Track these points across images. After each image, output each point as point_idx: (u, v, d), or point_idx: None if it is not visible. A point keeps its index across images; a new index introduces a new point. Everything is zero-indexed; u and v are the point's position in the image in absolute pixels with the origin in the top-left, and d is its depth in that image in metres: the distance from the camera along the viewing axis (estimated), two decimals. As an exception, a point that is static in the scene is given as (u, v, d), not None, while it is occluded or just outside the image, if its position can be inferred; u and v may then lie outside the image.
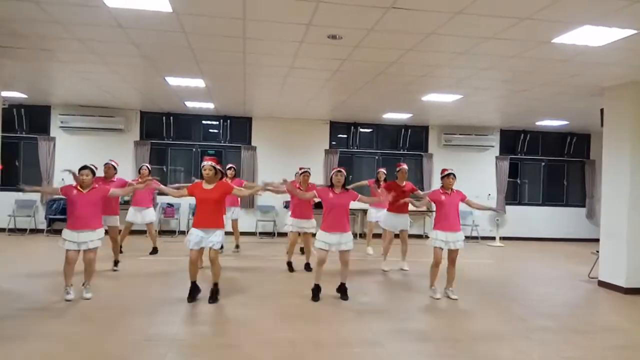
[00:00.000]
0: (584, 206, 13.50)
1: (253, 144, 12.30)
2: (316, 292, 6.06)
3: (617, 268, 7.25)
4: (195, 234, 5.65)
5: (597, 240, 7.85)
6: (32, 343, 4.35)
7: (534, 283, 7.94)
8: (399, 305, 6.09)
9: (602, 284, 7.50)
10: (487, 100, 9.15)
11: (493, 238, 12.13)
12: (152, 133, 12.00)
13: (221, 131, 12.33)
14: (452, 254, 6.31)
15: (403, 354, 4.44)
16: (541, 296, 6.92)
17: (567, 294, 7.21)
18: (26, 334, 4.57)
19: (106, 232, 6.36)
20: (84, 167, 5.67)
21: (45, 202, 11.28)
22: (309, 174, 7.83)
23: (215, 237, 5.65)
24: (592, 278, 7.86)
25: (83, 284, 5.82)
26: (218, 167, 5.84)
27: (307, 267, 7.83)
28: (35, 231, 11.13)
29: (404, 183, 8.02)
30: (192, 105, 10.71)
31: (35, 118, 11.51)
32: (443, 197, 6.28)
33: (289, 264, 7.81)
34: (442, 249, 6.26)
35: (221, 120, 12.26)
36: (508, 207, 12.99)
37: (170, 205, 11.61)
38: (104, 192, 5.81)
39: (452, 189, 6.38)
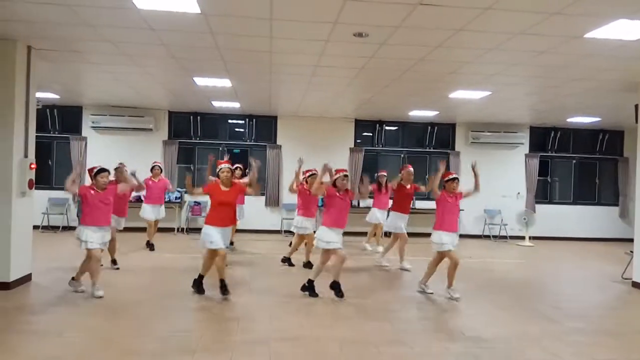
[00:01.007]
0: (616, 205, 13.13)
1: (278, 142, 12.37)
2: (312, 288, 6.13)
3: (652, 269, 7.04)
4: (214, 234, 5.78)
5: (631, 240, 7.64)
6: (67, 338, 4.48)
7: (565, 283, 7.78)
8: (422, 305, 6.04)
9: (636, 285, 7.28)
10: (517, 97, 8.98)
11: (522, 237, 11.91)
12: (180, 132, 12.19)
13: (247, 130, 12.43)
14: (449, 254, 6.26)
15: (429, 353, 4.41)
16: (572, 297, 6.78)
17: (600, 295, 7.04)
18: (62, 329, 4.71)
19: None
20: (103, 170, 5.95)
21: (77, 201, 11.57)
22: (315, 176, 7.87)
23: (224, 238, 5.90)
24: (626, 279, 7.64)
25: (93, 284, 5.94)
26: (233, 167, 6.11)
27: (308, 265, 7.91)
28: (67, 228, 11.42)
29: (409, 185, 8.09)
30: (219, 104, 10.83)
31: (67, 118, 11.82)
32: (449, 199, 6.30)
33: (288, 259, 8.06)
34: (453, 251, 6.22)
35: (247, 119, 12.36)
36: (538, 206, 12.72)
37: (197, 203, 11.76)
38: (115, 191, 6.17)
39: (454, 192, 6.38)
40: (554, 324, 5.38)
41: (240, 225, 11.91)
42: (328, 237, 5.96)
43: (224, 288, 5.86)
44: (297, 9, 4.76)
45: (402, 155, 12.77)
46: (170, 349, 4.28)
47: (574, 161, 13.20)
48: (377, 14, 4.77)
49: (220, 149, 12.34)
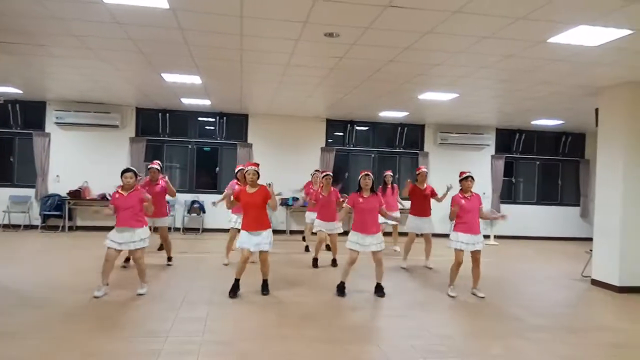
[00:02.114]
0: (578, 205, 13.58)
1: (249, 141, 12.29)
2: (342, 288, 6.21)
3: (610, 267, 7.30)
4: (245, 236, 5.92)
5: (591, 239, 7.90)
6: (26, 340, 4.34)
7: (528, 282, 7.98)
8: (394, 303, 6.10)
9: (595, 282, 7.55)
10: (483, 100, 9.17)
11: (487, 236, 12.13)
12: (148, 129, 11.97)
13: (217, 128, 12.30)
14: (475, 255, 6.37)
15: (394, 350, 4.46)
16: (535, 295, 6.97)
17: (561, 292, 7.25)
18: (20, 330, 4.56)
19: (155, 229, 6.68)
20: (127, 170, 5.90)
21: (40, 199, 11.24)
22: (331, 176, 8.07)
23: (264, 239, 5.92)
24: (586, 277, 7.91)
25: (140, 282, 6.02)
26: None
27: (334, 262, 8.11)
28: (29, 227, 11.09)
29: (425, 186, 8.27)
30: (188, 101, 10.68)
31: (30, 114, 11.44)
32: (463, 201, 6.36)
33: (315, 260, 8.10)
34: (463, 251, 6.31)
35: (217, 117, 12.23)
36: (503, 206, 13.02)
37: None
38: (142, 196, 5.95)
39: (471, 192, 6.45)
40: (518, 321, 5.52)
41: (208, 224, 11.88)
42: (354, 239, 6.07)
43: (264, 287, 6.16)
44: (268, 7, 4.74)
45: (373, 155, 12.89)
46: (134, 350, 4.21)
47: (538, 163, 13.57)
48: (347, 14, 4.79)
49: (190, 146, 12.20)
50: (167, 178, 7.50)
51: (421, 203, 8.17)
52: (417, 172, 8.40)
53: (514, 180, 13.56)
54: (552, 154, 13.56)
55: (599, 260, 7.55)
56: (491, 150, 13.14)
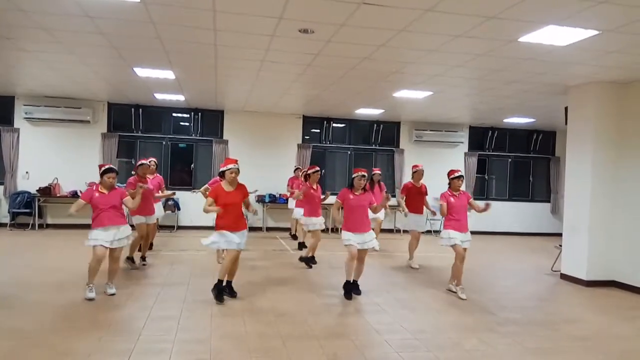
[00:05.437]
0: (549, 201, 13.90)
1: (225, 137, 12.19)
2: (349, 290, 6.08)
3: (578, 261, 7.49)
4: (224, 236, 5.63)
5: (561, 234, 8.09)
6: (-8, 340, 4.23)
7: (500, 276, 8.13)
8: (370, 299, 6.13)
9: (564, 276, 7.74)
10: (457, 98, 9.29)
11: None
12: (120, 125, 11.75)
13: (192, 124, 12.16)
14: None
15: (369, 345, 4.50)
16: (506, 289, 7.10)
17: (531, 286, 7.41)
18: (-14, 330, 4.44)
19: (133, 227, 6.32)
20: (110, 170, 5.72)
21: (9, 196, 10.94)
22: (320, 173, 8.06)
23: (240, 239, 5.69)
24: (555, 271, 8.10)
25: (107, 282, 5.81)
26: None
27: (302, 258, 8.02)
28: (-5, 226, 10.81)
29: (420, 184, 8.40)
30: (162, 97, 10.53)
31: (-2, 108, 11.13)
32: (452, 199, 6.48)
33: (312, 258, 7.99)
34: (460, 245, 6.40)
35: (192, 113, 12.09)
36: (476, 202, 13.23)
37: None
38: (122, 196, 5.82)
39: (460, 190, 6.58)
40: (490, 315, 5.62)
41: (183, 222, 11.76)
42: (348, 237, 6.00)
43: (231, 290, 5.86)
44: (241, 2, 4.70)
45: (349, 152, 12.94)
46: (106, 350, 4.13)
47: (510, 160, 13.84)
48: (322, 11, 4.79)
49: (164, 143, 12.04)
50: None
51: (417, 200, 8.33)
52: (414, 170, 8.46)
53: (486, 177, 13.80)
54: (524, 151, 13.83)
55: (568, 255, 7.74)
56: (464, 147, 13.34)
